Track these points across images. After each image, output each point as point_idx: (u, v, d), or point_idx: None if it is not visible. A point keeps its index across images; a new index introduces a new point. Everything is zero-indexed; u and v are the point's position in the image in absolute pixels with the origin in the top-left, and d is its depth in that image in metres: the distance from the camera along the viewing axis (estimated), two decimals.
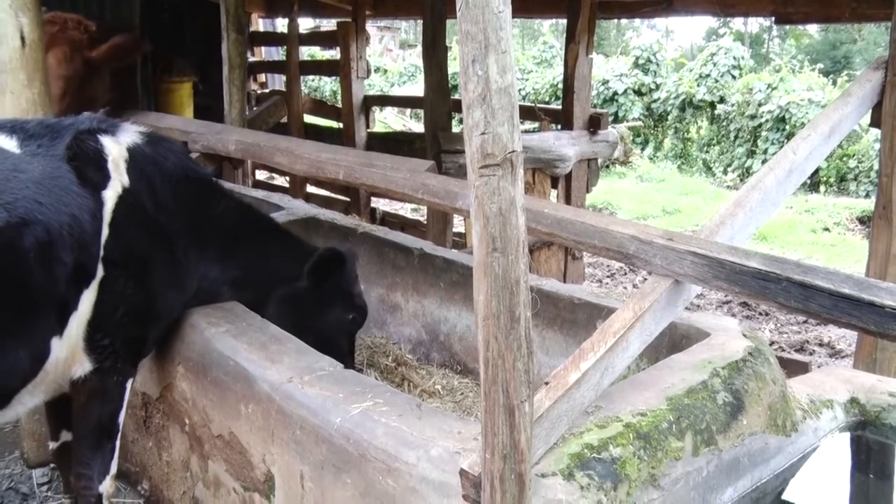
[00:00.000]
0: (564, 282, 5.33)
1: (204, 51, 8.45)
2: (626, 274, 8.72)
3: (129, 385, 2.80)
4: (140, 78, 9.02)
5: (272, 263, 3.17)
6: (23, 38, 3.38)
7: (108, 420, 2.77)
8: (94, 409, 2.73)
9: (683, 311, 2.59)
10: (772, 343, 6.46)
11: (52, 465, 3.51)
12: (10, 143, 2.51)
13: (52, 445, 3.09)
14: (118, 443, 2.82)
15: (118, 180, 2.68)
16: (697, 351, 2.62)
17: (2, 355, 2.35)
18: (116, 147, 2.74)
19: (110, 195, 2.64)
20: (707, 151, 17.29)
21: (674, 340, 2.88)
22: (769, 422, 2.44)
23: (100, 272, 2.58)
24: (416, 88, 19.86)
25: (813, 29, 32.58)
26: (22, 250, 2.33)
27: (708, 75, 17.74)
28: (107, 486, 2.78)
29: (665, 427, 2.16)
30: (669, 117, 18.21)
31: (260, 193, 5.00)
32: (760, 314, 7.47)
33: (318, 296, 3.17)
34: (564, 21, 6.60)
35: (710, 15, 6.68)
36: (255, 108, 8.87)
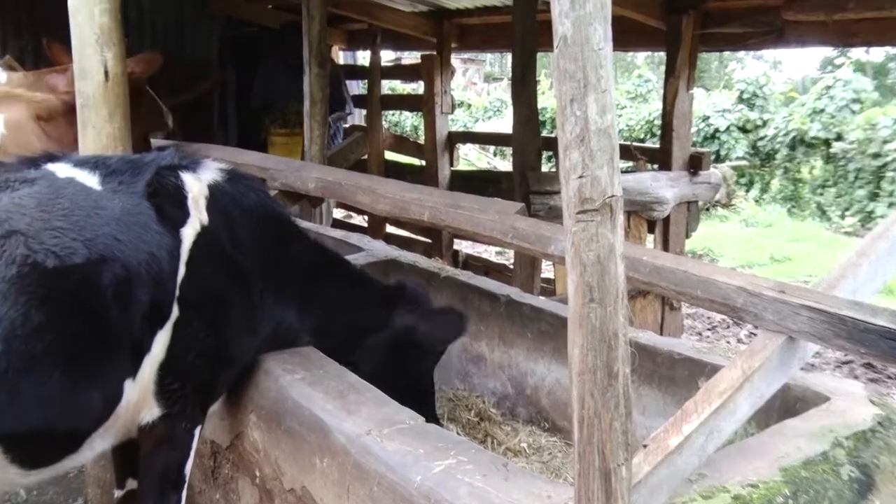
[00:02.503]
0: (661, 334, 5.23)
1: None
2: (728, 327, 8.49)
3: (197, 433, 2.84)
4: (217, 113, 9.39)
5: (353, 311, 3.22)
6: (106, 73, 3.57)
7: (174, 469, 2.80)
8: (160, 456, 2.78)
9: (798, 371, 2.51)
10: None
11: None
12: (92, 180, 2.62)
13: (118, 493, 3.13)
14: (185, 494, 2.85)
15: (197, 218, 2.76)
16: (815, 417, 2.52)
17: (76, 396, 2.42)
18: (197, 184, 2.83)
19: (189, 233, 2.71)
20: (821, 194, 16.80)
21: (787, 404, 2.78)
22: None
23: (175, 313, 2.64)
24: (502, 124, 20.04)
25: None
26: (100, 288, 2.40)
27: (822, 110, 17.31)
28: None
29: (780, 501, 2.08)
30: (778, 156, 17.81)
31: (338, 233, 5.09)
32: (889, 377, 7.11)
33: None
34: (661, 53, 6.58)
35: (827, 45, 6.54)
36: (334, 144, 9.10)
